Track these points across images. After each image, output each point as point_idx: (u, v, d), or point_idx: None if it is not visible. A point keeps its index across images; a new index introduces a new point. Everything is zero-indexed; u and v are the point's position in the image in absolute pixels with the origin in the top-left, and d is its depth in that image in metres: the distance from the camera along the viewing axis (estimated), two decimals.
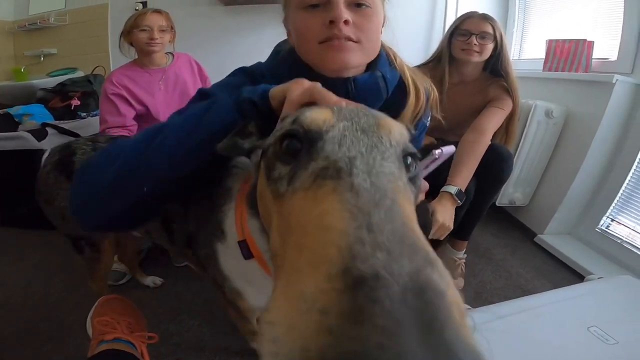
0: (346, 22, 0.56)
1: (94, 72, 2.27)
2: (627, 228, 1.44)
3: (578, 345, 0.82)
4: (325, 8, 0.58)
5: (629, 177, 1.44)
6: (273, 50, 0.79)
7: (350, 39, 0.58)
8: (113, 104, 1.37)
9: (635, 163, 1.42)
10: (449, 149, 0.64)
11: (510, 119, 1.25)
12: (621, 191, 1.47)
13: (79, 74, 2.33)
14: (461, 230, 1.26)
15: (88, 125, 1.94)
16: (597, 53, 1.59)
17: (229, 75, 0.74)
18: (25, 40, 2.54)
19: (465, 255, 1.33)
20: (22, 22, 2.46)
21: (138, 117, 1.44)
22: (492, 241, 1.63)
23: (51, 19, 2.39)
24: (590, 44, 1.58)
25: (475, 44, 1.18)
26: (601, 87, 1.43)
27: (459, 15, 1.57)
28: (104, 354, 0.75)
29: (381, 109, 0.40)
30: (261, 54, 2.49)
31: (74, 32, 2.46)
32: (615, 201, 1.48)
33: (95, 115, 2.03)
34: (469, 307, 0.98)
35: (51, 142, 1.74)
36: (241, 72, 0.73)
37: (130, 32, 1.37)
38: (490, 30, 1.18)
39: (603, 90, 1.42)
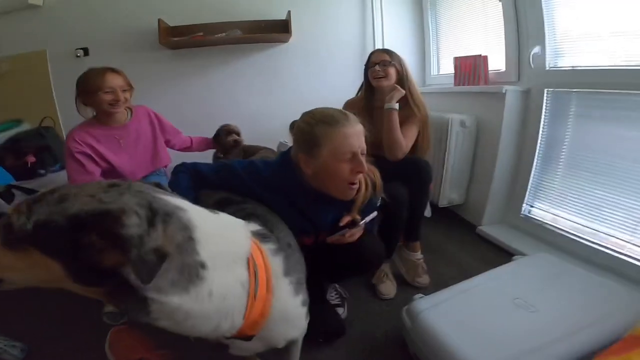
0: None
1: (42, 124, 2.25)
2: (544, 212, 1.75)
3: (507, 315, 1.00)
4: (352, 160, 0.94)
5: (533, 169, 1.77)
6: (282, 160, 1.07)
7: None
8: (79, 162, 1.37)
9: (536, 155, 1.74)
10: (372, 215, 0.99)
11: (423, 128, 1.52)
12: (530, 181, 1.79)
13: (26, 126, 2.26)
14: (410, 233, 1.50)
15: (51, 182, 1.93)
16: (492, 65, 1.92)
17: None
18: None
19: (422, 255, 1.53)
20: None
21: (104, 173, 1.45)
22: (443, 238, 1.89)
23: None
24: (485, 58, 1.91)
25: (378, 70, 1.47)
26: (496, 97, 1.75)
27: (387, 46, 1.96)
28: None
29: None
30: (210, 94, 2.69)
31: (14, 80, 2.36)
32: (528, 190, 1.80)
33: (55, 171, 2.03)
34: (422, 295, 1.16)
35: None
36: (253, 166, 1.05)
37: (92, 94, 1.36)
38: (388, 58, 1.48)
39: (498, 99, 1.74)
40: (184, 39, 2.25)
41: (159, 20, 2.18)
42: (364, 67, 1.58)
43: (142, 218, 0.45)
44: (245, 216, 0.70)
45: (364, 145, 0.98)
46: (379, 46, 2.44)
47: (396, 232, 1.42)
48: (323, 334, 1.17)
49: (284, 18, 2.27)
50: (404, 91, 1.46)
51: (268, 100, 2.47)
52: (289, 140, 1.97)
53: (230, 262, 0.55)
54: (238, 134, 1.82)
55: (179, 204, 0.52)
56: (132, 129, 1.52)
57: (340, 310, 1.32)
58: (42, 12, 2.29)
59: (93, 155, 1.40)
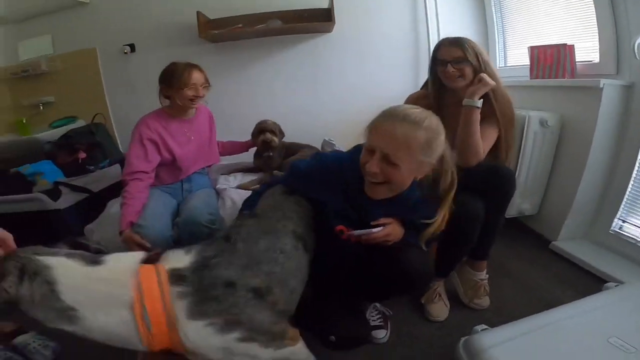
0: (374, 173, 0.89)
1: (94, 121, 2.30)
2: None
3: (597, 358, 0.84)
4: (368, 154, 0.90)
5: (632, 178, 1.46)
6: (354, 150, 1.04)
7: (376, 182, 0.91)
8: (144, 148, 1.40)
9: (637, 163, 1.44)
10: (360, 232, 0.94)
11: (506, 131, 1.26)
12: (627, 192, 1.49)
13: (80, 123, 2.34)
14: (478, 250, 1.29)
15: (98, 180, 1.98)
16: (579, 56, 1.61)
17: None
18: (21, 88, 2.49)
19: (487, 275, 1.34)
20: (14, 69, 2.43)
21: (163, 164, 1.47)
22: (508, 253, 1.63)
23: (43, 65, 2.38)
24: (571, 48, 1.60)
25: (452, 71, 1.21)
26: (590, 92, 1.45)
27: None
28: None
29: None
30: (250, 88, 2.57)
31: (68, 78, 2.44)
32: (623, 203, 1.50)
33: (103, 167, 2.07)
34: (486, 326, 1.00)
35: (66, 200, 1.77)
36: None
37: (176, 89, 1.41)
38: (461, 54, 1.20)
39: (592, 95, 1.44)
40: (223, 32, 2.18)
41: (198, 13, 2.13)
42: (429, 61, 1.34)
43: (15, 276, 0.64)
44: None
45: (388, 150, 0.87)
46: (433, 35, 2.19)
47: (461, 250, 1.23)
48: (338, 336, 1.02)
49: (326, 6, 2.12)
50: (493, 83, 1.19)
51: (311, 94, 2.32)
52: (335, 139, 1.84)
53: (106, 306, 0.67)
54: (274, 132, 1.71)
55: (49, 264, 0.67)
56: (196, 125, 1.57)
57: (381, 333, 1.18)
58: (90, 9, 2.35)
59: (160, 144, 1.43)
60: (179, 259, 0.75)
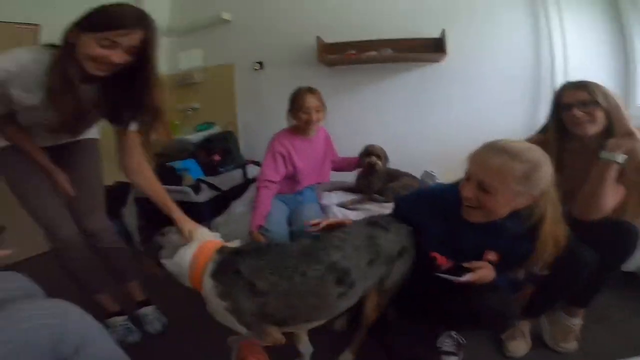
0: (468, 198, 0.97)
1: (227, 128, 2.74)
2: None
3: None
4: (467, 179, 0.98)
5: None
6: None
7: (470, 206, 0.99)
8: (275, 160, 1.67)
9: None
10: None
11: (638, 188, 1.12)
12: None
13: (217, 129, 2.78)
14: (579, 298, 1.23)
15: (227, 181, 2.38)
16: None
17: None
18: (178, 94, 2.94)
19: (581, 322, 1.27)
20: (176, 78, 2.90)
21: (286, 176, 1.73)
22: (612, 299, 1.46)
23: (195, 76, 2.87)
24: None
25: (581, 115, 1.11)
26: None
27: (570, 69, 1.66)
28: None
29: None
30: (360, 112, 2.63)
31: (210, 88, 2.91)
32: None
33: (229, 170, 2.47)
34: None
35: (204, 195, 2.19)
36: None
37: (295, 111, 1.68)
38: (587, 97, 1.11)
39: None
40: (338, 57, 2.36)
41: (317, 38, 2.32)
42: (551, 104, 1.26)
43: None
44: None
45: (483, 178, 0.93)
46: (558, 70, 2.02)
47: (560, 296, 1.20)
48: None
49: (437, 36, 2.14)
50: None
51: (416, 123, 2.36)
52: (435, 172, 1.88)
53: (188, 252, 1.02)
54: (379, 157, 1.83)
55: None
56: (315, 144, 1.79)
57: (452, 359, 1.21)
58: (230, 27, 2.72)
59: (287, 158, 1.69)
60: (232, 244, 1.08)
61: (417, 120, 2.37)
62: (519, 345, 1.26)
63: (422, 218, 1.14)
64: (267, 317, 1.00)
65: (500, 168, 0.90)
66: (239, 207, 1.99)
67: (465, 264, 1.01)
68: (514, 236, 1.01)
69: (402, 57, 2.26)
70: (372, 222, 1.17)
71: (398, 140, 2.26)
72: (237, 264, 0.99)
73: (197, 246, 1.03)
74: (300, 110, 1.65)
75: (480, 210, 0.98)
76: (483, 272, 1.01)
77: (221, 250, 1.04)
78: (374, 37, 2.32)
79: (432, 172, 1.90)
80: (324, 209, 1.78)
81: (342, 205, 1.80)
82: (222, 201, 2.15)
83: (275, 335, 1.03)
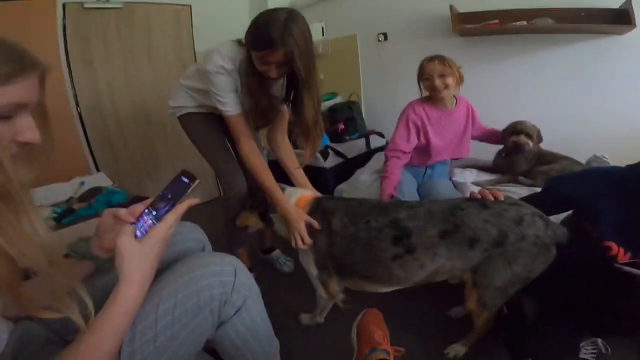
0: None
1: (350, 99, 2.81)
2: None
3: None
4: None
5: None
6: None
7: None
8: (408, 130, 1.61)
9: None
10: None
11: None
12: None
13: (339, 99, 2.89)
14: None
15: (351, 148, 2.46)
16: None
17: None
18: None
19: None
20: None
21: (417, 148, 1.67)
22: None
23: (320, 48, 2.93)
24: None
25: None
26: None
27: None
28: None
29: None
30: (504, 86, 2.38)
31: (333, 60, 2.99)
32: None
33: (354, 139, 2.54)
34: None
35: (331, 161, 2.32)
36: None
37: (419, 79, 1.62)
38: None
39: None
40: (478, 27, 2.15)
41: (451, 7, 2.17)
42: None
43: None
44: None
45: None
46: None
47: None
48: None
49: (617, 7, 1.79)
50: None
51: (582, 103, 2.01)
52: (608, 156, 1.63)
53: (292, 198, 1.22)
54: (529, 136, 1.63)
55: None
56: (454, 117, 1.66)
57: None
58: None
59: (420, 129, 1.62)
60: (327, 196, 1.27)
61: (582, 100, 2.02)
62: None
63: (595, 199, 0.98)
64: (333, 260, 1.13)
65: None
66: (363, 175, 2.05)
67: None
68: None
69: (568, 28, 1.95)
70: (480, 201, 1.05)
71: (556, 120, 1.97)
72: (325, 206, 1.16)
73: (297, 197, 1.22)
74: (422, 77, 1.59)
75: None
76: None
77: (317, 198, 1.23)
78: (525, 6, 2.05)
79: (603, 156, 1.62)
80: (457, 187, 1.70)
81: (479, 185, 1.69)
82: (346, 169, 2.25)
83: (333, 286, 1.18)
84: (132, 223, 0.60)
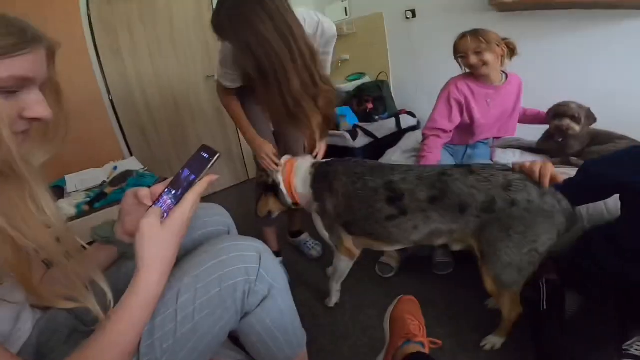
0: None
1: (379, 78, 2.70)
2: None
3: None
4: None
5: None
6: None
7: None
8: (449, 107, 1.50)
9: None
10: None
11: None
12: None
13: (367, 79, 2.79)
14: None
15: (381, 128, 2.37)
16: None
17: None
18: None
19: None
20: None
21: (460, 126, 1.56)
22: None
23: (344, 29, 2.82)
24: None
25: None
26: None
27: None
28: (420, 356, 0.84)
29: None
30: (548, 64, 2.19)
31: (360, 39, 2.87)
32: None
33: (384, 118, 2.44)
34: None
35: (360, 141, 2.25)
36: None
37: (457, 59, 1.52)
38: None
39: None
40: (520, 1, 1.96)
41: None
42: None
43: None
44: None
45: None
46: None
47: None
48: None
49: None
50: None
51: (637, 79, 1.81)
52: None
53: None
54: (575, 119, 1.45)
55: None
56: (502, 94, 1.54)
57: None
58: None
59: (464, 105, 1.51)
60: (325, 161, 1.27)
61: (637, 75, 1.82)
62: None
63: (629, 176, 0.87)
64: (339, 219, 1.17)
65: None
66: (394, 155, 1.95)
67: None
68: None
69: (626, 2, 1.71)
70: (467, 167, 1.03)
71: (611, 97, 1.80)
72: (325, 170, 1.20)
73: (281, 171, 1.27)
74: (457, 54, 1.49)
75: None
76: None
77: (314, 164, 1.25)
78: None
79: None
80: None
81: None
82: (377, 148, 2.16)
83: (348, 243, 1.21)
84: (153, 204, 0.56)
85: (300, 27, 1.07)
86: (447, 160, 1.61)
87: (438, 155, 1.53)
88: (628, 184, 0.88)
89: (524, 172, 0.97)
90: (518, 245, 0.94)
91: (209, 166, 0.58)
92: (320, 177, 1.21)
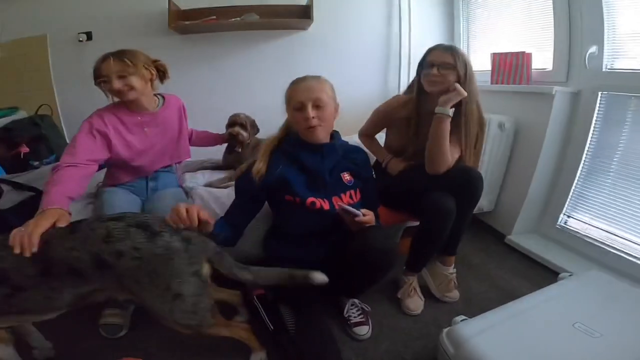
0: (311, 118, 1.08)
1: (38, 113, 2.08)
2: (583, 223, 1.63)
3: (568, 342, 0.90)
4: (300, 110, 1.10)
5: (577, 177, 1.62)
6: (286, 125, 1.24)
7: (313, 125, 1.10)
8: (92, 140, 1.21)
9: (581, 164, 1.60)
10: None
11: (476, 141, 1.31)
12: (572, 190, 1.65)
13: (22, 114, 2.09)
14: (447, 246, 1.35)
15: (44, 177, 1.76)
16: (535, 64, 1.76)
17: None
18: None
19: (455, 269, 1.40)
20: None
21: (120, 162, 1.32)
22: (469, 248, 1.74)
23: None
24: (529, 56, 1.75)
25: (434, 74, 1.22)
26: (543, 98, 1.59)
27: (412, 42, 2.02)
28: None
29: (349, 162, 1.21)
30: (222, 83, 2.46)
31: (11, 66, 2.21)
32: (568, 199, 1.66)
33: (50, 162, 1.87)
34: (464, 317, 1.03)
35: (10, 199, 1.56)
36: None
37: (98, 84, 1.25)
38: (451, 61, 1.20)
39: (545, 101, 1.58)
40: (196, 23, 2.09)
41: (170, 2, 2.02)
42: (418, 63, 1.33)
43: None
44: None
45: (314, 97, 1.09)
46: (404, 36, 2.30)
47: (434, 246, 1.28)
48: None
49: (304, 3, 2.14)
50: (465, 93, 1.19)
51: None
52: None
53: None
54: (243, 126, 1.63)
55: None
56: (160, 119, 1.39)
57: (363, 330, 1.19)
58: None
59: (113, 140, 1.25)
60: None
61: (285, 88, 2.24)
62: (415, 301, 1.32)
63: (282, 172, 1.14)
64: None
65: (320, 86, 1.12)
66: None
67: (358, 219, 1.07)
68: (346, 150, 1.21)
69: (268, 23, 2.15)
70: None
71: (271, 109, 1.97)
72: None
73: None
74: (97, 80, 1.24)
75: (322, 127, 1.10)
76: (371, 216, 1.11)
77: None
78: (236, 3, 2.15)
79: None
80: (188, 194, 1.48)
81: (210, 185, 1.54)
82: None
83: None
84: None
85: None
86: (133, 200, 1.36)
87: (78, 188, 1.11)
88: (284, 180, 1.12)
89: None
90: (157, 295, 0.86)
91: None
92: None
